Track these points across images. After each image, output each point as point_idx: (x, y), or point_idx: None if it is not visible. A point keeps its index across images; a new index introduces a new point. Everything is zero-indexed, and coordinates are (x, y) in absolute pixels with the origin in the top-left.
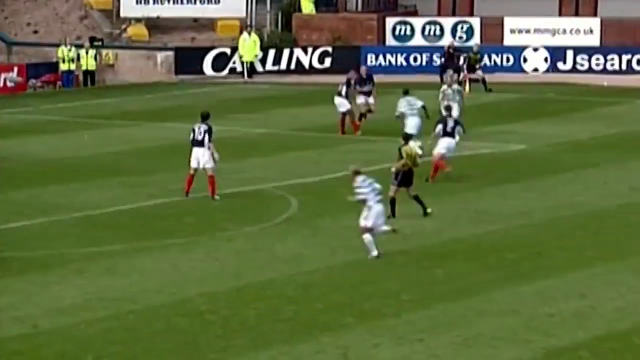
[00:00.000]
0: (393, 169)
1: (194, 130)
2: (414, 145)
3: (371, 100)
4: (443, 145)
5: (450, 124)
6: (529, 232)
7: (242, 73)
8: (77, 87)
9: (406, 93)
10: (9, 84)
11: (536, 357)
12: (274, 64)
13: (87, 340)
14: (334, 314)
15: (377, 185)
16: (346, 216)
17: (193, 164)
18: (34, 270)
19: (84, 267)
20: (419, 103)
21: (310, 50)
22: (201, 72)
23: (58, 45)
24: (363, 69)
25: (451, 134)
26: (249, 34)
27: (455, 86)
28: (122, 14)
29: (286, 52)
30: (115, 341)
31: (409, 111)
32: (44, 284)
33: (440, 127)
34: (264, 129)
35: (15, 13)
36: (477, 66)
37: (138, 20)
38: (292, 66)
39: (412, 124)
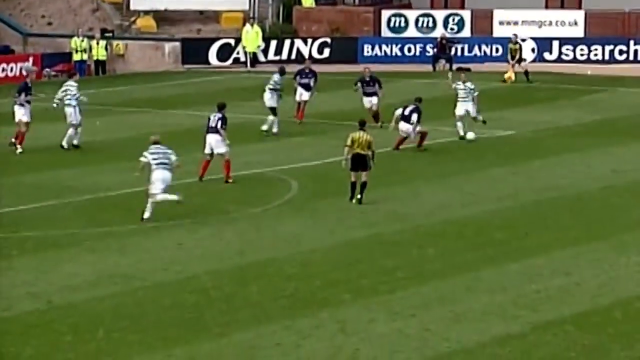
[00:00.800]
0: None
1: (209, 119)
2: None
3: (374, 100)
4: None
5: (409, 109)
6: (517, 213)
7: (245, 63)
8: (89, 76)
9: (282, 72)
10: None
11: (524, 331)
12: (275, 54)
13: (99, 315)
14: (332, 290)
15: (172, 157)
16: (344, 198)
17: (207, 150)
18: (48, 249)
19: (95, 246)
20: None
21: (309, 41)
22: (206, 61)
23: (71, 37)
24: (366, 70)
25: (407, 119)
26: (252, 25)
27: (469, 84)
28: (131, 7)
29: (287, 42)
30: (124, 316)
31: (270, 87)
32: (58, 262)
33: (399, 110)
34: (266, 116)
35: (30, 6)
36: (517, 57)
37: (147, 12)
38: (293, 56)
39: (266, 98)
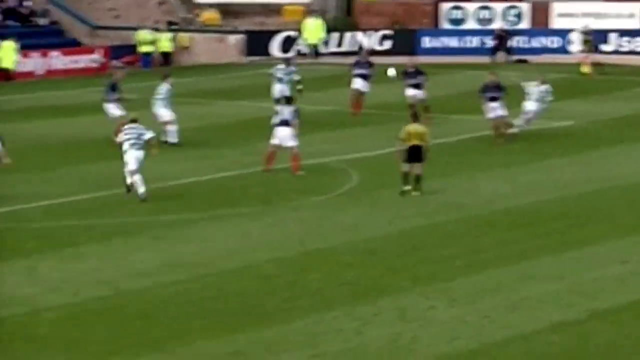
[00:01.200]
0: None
1: (280, 111)
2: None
3: (419, 94)
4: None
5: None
6: (574, 203)
7: (307, 54)
8: (154, 67)
9: (287, 63)
10: (115, 66)
11: (580, 318)
12: (336, 46)
13: (164, 302)
14: (391, 278)
15: (146, 136)
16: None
17: (274, 142)
18: (115, 237)
19: (160, 233)
20: (294, 76)
21: (370, 33)
22: (269, 53)
23: (137, 29)
24: (410, 62)
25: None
26: (314, 18)
27: (544, 87)
28: (196, 0)
29: (348, 35)
30: (189, 302)
31: (279, 76)
32: (124, 249)
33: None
34: (328, 107)
35: (96, 0)
36: (587, 48)
37: (211, 5)
38: (354, 48)
39: (276, 90)
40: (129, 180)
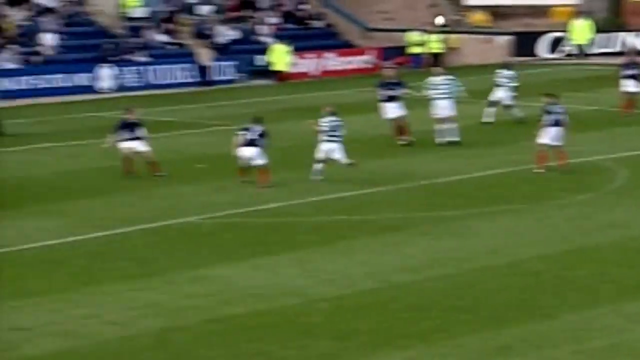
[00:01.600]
0: None
1: (552, 111)
2: None
3: (634, 87)
4: None
5: None
6: None
7: (575, 55)
8: (425, 68)
9: (507, 68)
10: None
11: None
12: (604, 46)
13: (432, 295)
14: None
15: (340, 131)
16: None
17: (543, 141)
18: (384, 231)
19: (428, 229)
20: (514, 82)
21: (638, 34)
22: (537, 54)
23: (408, 31)
24: (630, 57)
25: None
26: (582, 19)
27: None
28: (466, 2)
29: (617, 35)
30: (456, 296)
31: (500, 82)
32: (393, 243)
33: None
34: (595, 106)
35: (370, 3)
36: None
37: (480, 7)
38: (623, 49)
39: (495, 95)
40: (318, 166)
